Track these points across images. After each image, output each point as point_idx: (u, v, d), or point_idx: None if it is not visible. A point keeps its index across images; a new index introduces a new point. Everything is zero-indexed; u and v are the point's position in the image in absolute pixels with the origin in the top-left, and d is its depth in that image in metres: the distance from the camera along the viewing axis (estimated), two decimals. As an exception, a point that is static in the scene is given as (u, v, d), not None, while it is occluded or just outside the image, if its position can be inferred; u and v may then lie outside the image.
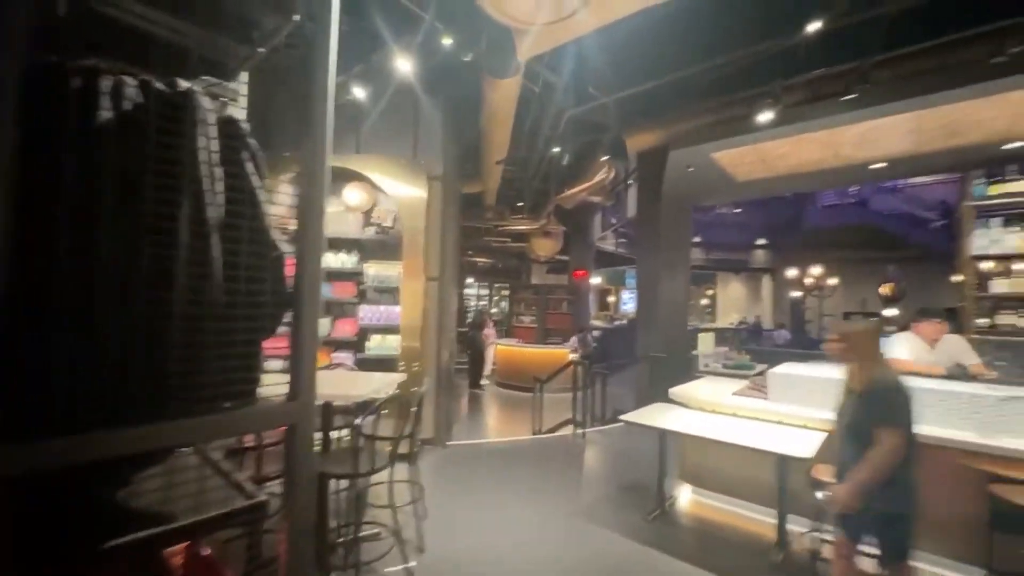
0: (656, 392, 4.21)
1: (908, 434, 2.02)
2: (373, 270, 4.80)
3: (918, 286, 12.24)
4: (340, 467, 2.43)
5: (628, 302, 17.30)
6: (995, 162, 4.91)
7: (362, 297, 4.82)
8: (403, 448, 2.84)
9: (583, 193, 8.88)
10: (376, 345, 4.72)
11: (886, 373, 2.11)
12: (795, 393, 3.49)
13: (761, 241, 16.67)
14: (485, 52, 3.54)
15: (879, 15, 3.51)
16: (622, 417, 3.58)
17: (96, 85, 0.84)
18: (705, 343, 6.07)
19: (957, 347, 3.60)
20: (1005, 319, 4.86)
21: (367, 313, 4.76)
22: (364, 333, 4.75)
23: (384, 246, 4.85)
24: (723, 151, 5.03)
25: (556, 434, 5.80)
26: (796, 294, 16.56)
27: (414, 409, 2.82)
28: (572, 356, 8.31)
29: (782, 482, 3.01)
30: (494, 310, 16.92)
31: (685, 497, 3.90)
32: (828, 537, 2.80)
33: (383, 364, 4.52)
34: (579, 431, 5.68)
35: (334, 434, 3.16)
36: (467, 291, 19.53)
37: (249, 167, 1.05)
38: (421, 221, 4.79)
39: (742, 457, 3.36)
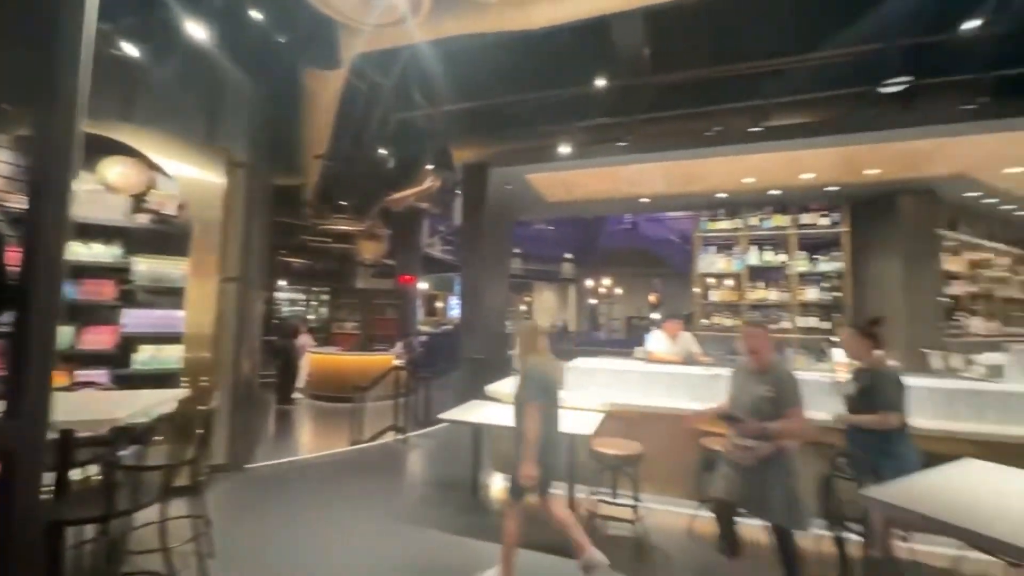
0: (476, 392, 4.48)
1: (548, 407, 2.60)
2: (145, 266, 3.93)
3: (674, 295, 15.80)
4: (84, 510, 1.94)
5: (455, 308, 17.87)
6: (713, 205, 6.75)
7: (127, 299, 3.90)
8: (182, 478, 2.41)
9: (411, 198, 8.88)
10: (148, 358, 3.87)
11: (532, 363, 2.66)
12: (584, 382, 4.17)
13: (568, 255, 19.21)
14: (305, 39, 3.30)
15: (647, 83, 4.51)
16: (440, 416, 3.72)
17: None
18: (519, 344, 6.69)
19: (688, 341, 4.82)
20: (718, 320, 6.69)
21: (135, 319, 3.87)
22: (129, 344, 3.84)
23: (163, 238, 4.03)
24: (535, 174, 5.71)
25: (378, 442, 5.63)
26: (593, 301, 19.61)
27: (200, 431, 2.43)
28: (397, 362, 8.20)
29: (570, 457, 3.56)
30: (311, 316, 15.46)
31: (497, 485, 4.25)
32: (605, 499, 3.46)
33: (159, 381, 3.74)
34: (401, 436, 5.64)
35: (78, 472, 2.49)
36: (279, 295, 17.38)
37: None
38: (218, 212, 4.14)
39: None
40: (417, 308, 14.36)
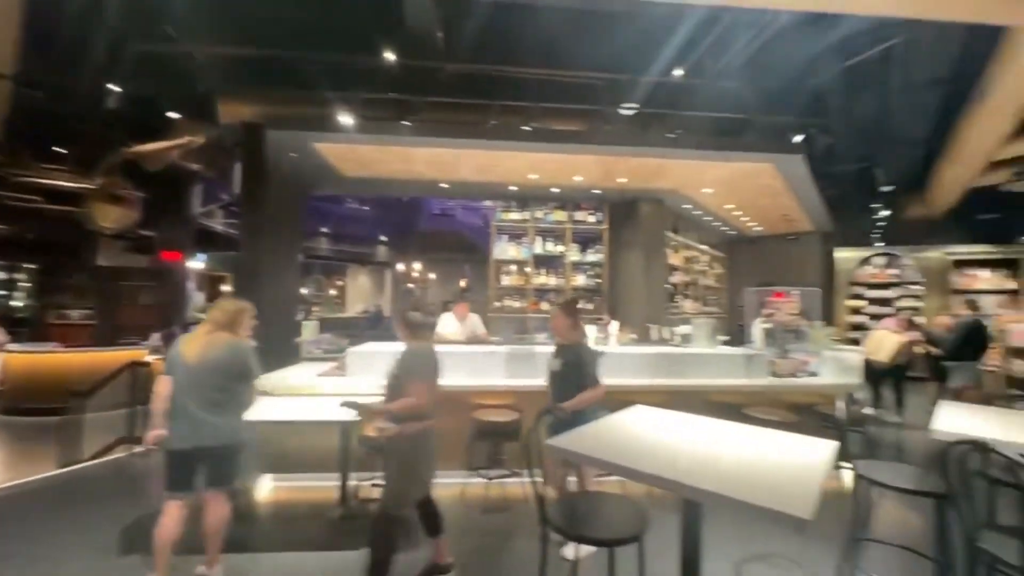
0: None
1: None
2: None
3: (482, 281, 16.79)
4: None
5: (246, 291, 15.43)
6: (506, 197, 7.32)
7: None
8: None
9: (168, 153, 7.19)
10: None
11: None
12: (369, 367, 4.05)
13: (383, 237, 18.49)
14: None
15: (437, 68, 4.53)
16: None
17: None
18: (308, 331, 6.12)
19: (475, 322, 5.15)
20: (509, 303, 7.34)
21: None
22: None
23: None
24: (323, 144, 5.21)
25: (102, 460, 4.46)
26: (410, 286, 19.41)
27: None
28: (149, 358, 6.63)
29: (344, 445, 3.42)
30: (15, 303, 11.37)
31: (266, 487, 3.83)
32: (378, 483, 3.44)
33: None
34: (139, 449, 4.58)
35: None
36: (-45, 273, 12.32)
37: None
38: None
39: (316, 433, 3.61)
40: (191, 292, 11.88)
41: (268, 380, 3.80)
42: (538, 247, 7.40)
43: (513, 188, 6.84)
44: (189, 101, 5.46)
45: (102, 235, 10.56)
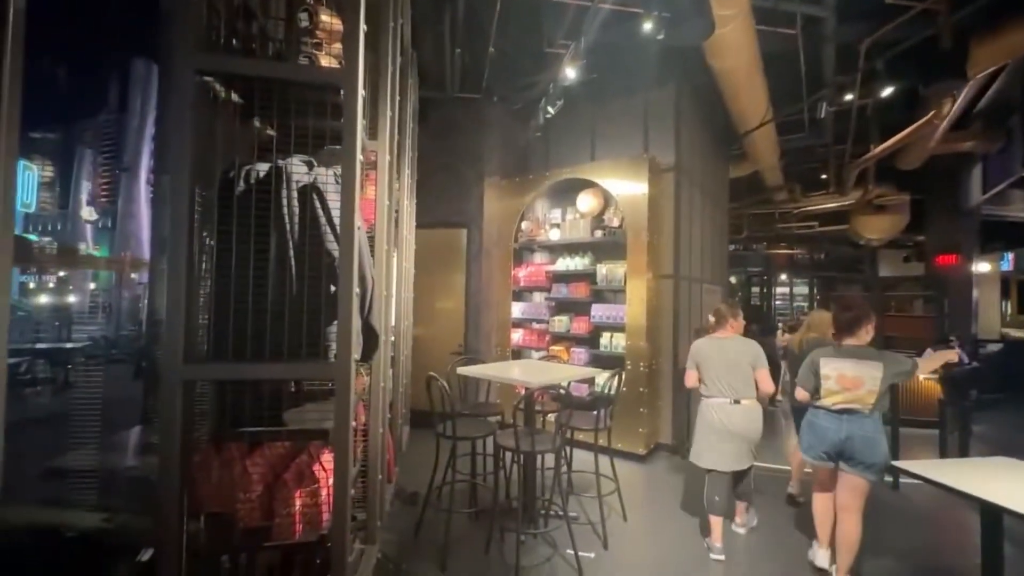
0: None
1: None
2: (605, 270, 4.97)
3: None
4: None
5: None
6: None
7: (595, 296, 5.07)
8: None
9: (915, 143, 6.23)
10: (608, 342, 4.84)
11: None
12: None
13: None
14: (673, 23, 3.21)
15: None
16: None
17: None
18: None
19: None
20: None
21: (600, 311, 4.94)
22: (597, 331, 4.95)
23: (613, 247, 4.93)
24: None
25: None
26: None
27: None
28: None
29: None
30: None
31: None
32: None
33: (616, 362, 4.62)
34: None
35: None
36: (781, 289, 16.78)
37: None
38: (644, 217, 4.63)
39: None
40: (978, 300, 9.63)
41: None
42: None
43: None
44: (928, 68, 4.48)
45: (872, 248, 10.76)
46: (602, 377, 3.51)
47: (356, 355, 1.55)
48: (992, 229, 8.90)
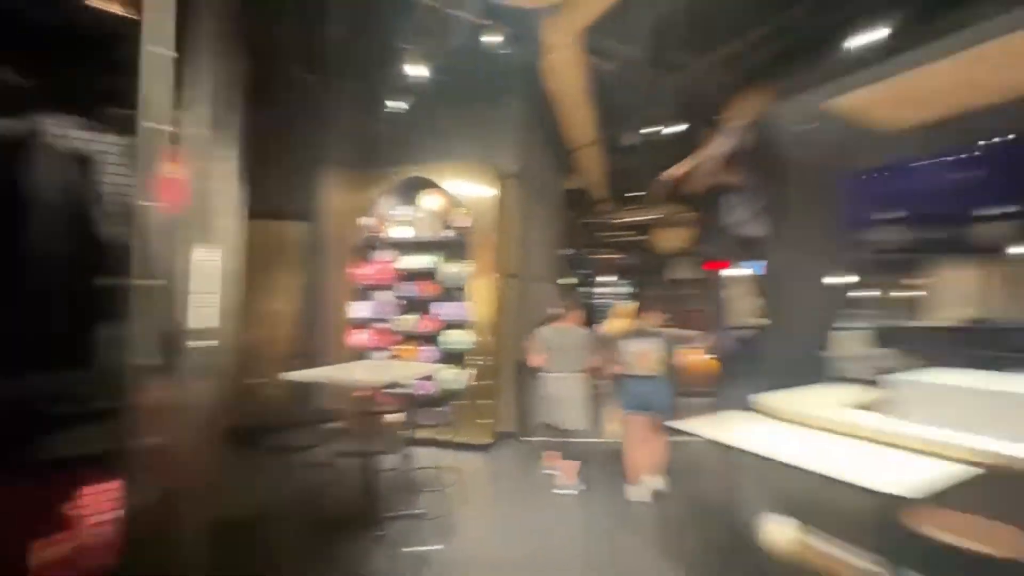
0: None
1: None
2: (449, 269, 5.07)
3: None
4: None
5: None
6: None
7: (441, 295, 5.13)
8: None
9: (699, 174, 7.87)
10: (453, 339, 4.95)
11: None
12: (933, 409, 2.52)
13: (995, 210, 12.29)
14: (513, 40, 3.47)
15: None
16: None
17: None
18: (849, 343, 4.82)
19: None
20: None
21: (445, 309, 5.02)
22: (443, 328, 5.02)
23: (459, 246, 5.06)
24: (847, 95, 3.88)
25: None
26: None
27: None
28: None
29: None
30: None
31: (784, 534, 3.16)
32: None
33: (459, 358, 4.74)
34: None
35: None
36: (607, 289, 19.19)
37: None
38: (492, 220, 4.87)
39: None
40: (726, 299, 12.65)
41: (769, 398, 3.14)
42: None
43: None
44: (698, 117, 5.73)
45: (669, 255, 13.22)
46: (446, 373, 3.63)
47: (151, 361, 1.31)
48: (748, 243, 11.78)
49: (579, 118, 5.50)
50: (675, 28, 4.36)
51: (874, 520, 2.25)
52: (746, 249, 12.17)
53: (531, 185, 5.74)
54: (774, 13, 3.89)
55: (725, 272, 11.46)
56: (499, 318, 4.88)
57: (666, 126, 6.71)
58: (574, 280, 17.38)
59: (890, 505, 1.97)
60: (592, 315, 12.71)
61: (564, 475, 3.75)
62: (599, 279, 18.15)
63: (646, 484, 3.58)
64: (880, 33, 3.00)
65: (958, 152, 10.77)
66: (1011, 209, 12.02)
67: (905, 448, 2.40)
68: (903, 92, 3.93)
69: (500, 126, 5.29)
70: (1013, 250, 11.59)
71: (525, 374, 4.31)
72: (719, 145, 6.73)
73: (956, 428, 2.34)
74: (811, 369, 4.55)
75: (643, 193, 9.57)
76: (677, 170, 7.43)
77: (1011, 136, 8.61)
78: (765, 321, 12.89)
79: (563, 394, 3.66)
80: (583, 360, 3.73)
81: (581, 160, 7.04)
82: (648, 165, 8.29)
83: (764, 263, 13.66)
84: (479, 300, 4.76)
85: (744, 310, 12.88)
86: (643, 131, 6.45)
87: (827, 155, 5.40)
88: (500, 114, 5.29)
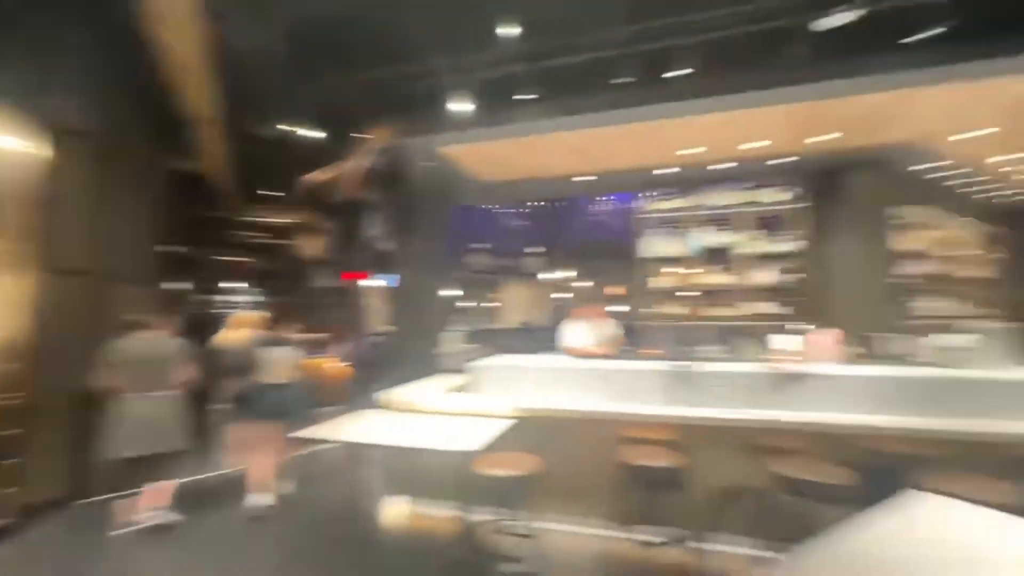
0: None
1: None
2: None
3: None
4: None
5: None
6: (663, 183, 6.18)
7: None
8: None
9: (336, 183, 8.08)
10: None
11: None
12: (503, 383, 3.51)
13: (535, 248, 18.55)
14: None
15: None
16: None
17: None
18: (451, 342, 6.09)
19: (609, 327, 4.23)
20: (668, 308, 6.14)
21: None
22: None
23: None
24: (453, 146, 5.03)
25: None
26: (563, 295, 18.99)
27: None
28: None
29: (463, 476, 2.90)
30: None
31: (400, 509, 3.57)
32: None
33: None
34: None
35: None
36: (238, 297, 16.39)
37: None
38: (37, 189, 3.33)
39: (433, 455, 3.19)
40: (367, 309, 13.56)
41: (389, 394, 3.57)
42: (706, 238, 6.02)
43: (671, 170, 5.70)
44: (337, 129, 5.95)
45: (310, 262, 12.81)
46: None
47: None
48: (383, 256, 12.84)
49: (193, 84, 4.56)
50: (319, 41, 4.34)
51: (458, 476, 2.91)
52: (381, 262, 13.35)
53: (113, 155, 4.28)
54: (397, 61, 4.42)
55: (363, 282, 12.14)
56: (42, 333, 3.36)
57: (303, 128, 6.53)
58: (187, 284, 14.03)
59: (466, 460, 2.61)
60: (214, 324, 10.71)
61: (154, 499, 3.14)
62: (224, 284, 15.43)
63: (269, 491, 3.43)
64: (467, 106, 3.98)
65: (517, 206, 15.92)
66: (541, 249, 18.53)
67: (478, 415, 3.26)
68: (484, 154, 5.40)
69: (60, 59, 3.70)
70: (541, 276, 17.95)
71: (92, 405, 3.15)
72: (358, 161, 7.12)
73: (512, 394, 3.37)
74: (427, 365, 5.49)
75: (281, 194, 8.89)
76: (318, 176, 7.34)
77: (541, 202, 13.55)
78: (393, 328, 14.44)
79: (150, 415, 3.12)
80: (173, 374, 3.27)
81: (198, 140, 5.84)
82: (284, 165, 7.78)
83: (397, 276, 15.39)
84: (-1, 307, 3.11)
85: (378, 318, 14.04)
86: (279, 126, 6.01)
87: (442, 190, 6.71)
88: (61, 41, 3.70)
